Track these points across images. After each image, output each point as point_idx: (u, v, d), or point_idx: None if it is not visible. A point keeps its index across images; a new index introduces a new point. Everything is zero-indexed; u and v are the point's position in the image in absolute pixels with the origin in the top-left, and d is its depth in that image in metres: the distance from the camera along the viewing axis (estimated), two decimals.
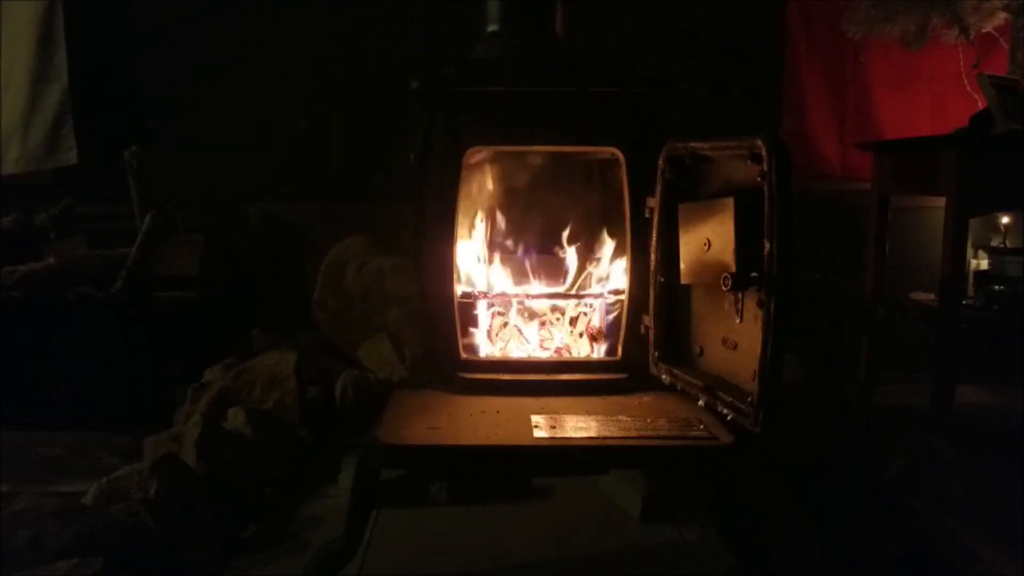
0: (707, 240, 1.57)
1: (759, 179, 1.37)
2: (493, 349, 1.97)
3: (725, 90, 3.17)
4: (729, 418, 1.49)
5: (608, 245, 1.99)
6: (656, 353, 1.77)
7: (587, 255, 2.05)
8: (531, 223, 2.04)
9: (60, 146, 3.03)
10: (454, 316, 1.82)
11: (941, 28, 2.72)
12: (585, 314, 2.00)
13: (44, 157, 3.04)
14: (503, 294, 1.98)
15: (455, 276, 1.83)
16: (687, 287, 1.73)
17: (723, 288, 1.47)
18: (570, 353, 1.98)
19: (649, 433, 1.54)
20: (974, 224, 2.74)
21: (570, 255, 2.05)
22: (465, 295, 1.90)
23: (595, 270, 2.02)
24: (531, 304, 1.99)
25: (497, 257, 2.02)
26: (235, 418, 2.09)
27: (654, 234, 1.75)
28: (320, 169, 3.14)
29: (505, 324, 2.00)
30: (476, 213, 2.00)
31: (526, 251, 2.05)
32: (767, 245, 1.34)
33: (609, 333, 1.95)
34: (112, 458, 2.24)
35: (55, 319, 2.60)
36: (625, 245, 1.85)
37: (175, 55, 3.10)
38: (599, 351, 1.97)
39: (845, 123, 3.22)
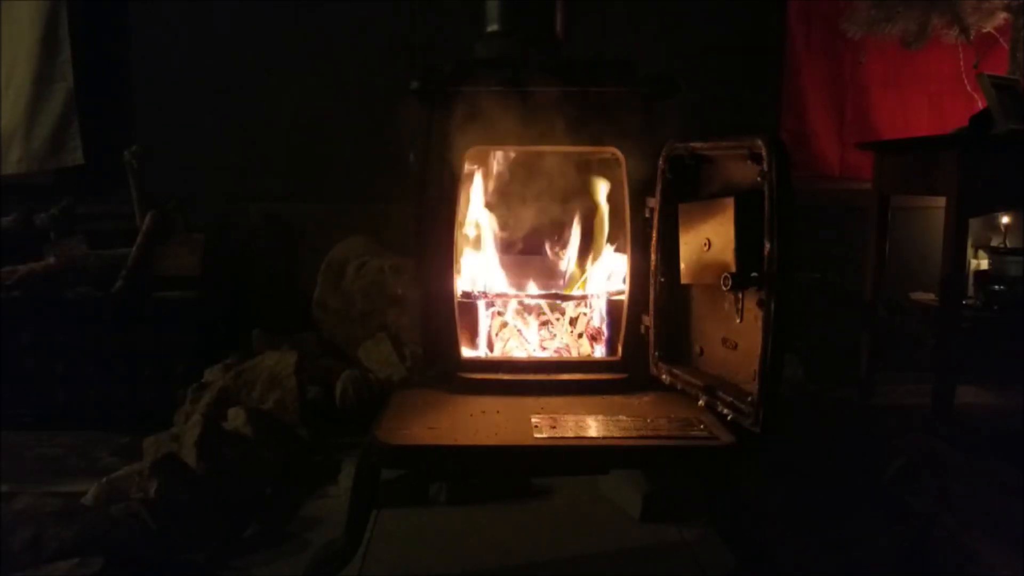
0: (707, 240, 1.57)
1: (759, 179, 1.37)
2: (493, 349, 1.97)
3: (725, 90, 3.17)
4: (729, 418, 1.49)
5: (608, 245, 1.99)
6: (656, 353, 1.77)
7: (587, 255, 2.05)
8: (531, 223, 2.04)
9: (65, 146, 3.04)
10: (454, 316, 1.82)
11: (941, 28, 2.73)
12: (585, 314, 2.00)
13: (48, 157, 3.05)
14: (503, 294, 1.98)
15: (455, 276, 1.83)
16: (687, 287, 1.73)
17: (723, 288, 1.47)
18: (570, 353, 1.98)
19: (649, 433, 1.54)
20: (974, 224, 2.74)
21: (570, 255, 2.04)
22: (465, 295, 1.90)
23: (595, 270, 2.02)
24: (531, 304, 1.99)
25: (497, 257, 2.02)
26: (235, 418, 2.09)
27: (654, 234, 1.75)
28: (320, 169, 3.14)
29: (505, 324, 1.99)
30: (476, 213, 2.00)
31: (526, 251, 2.05)
32: (767, 245, 1.34)
33: (609, 333, 1.95)
34: (112, 458, 2.24)
35: (55, 319, 2.60)
36: (625, 245, 1.85)
37: (174, 55, 3.10)
38: (599, 351, 1.97)
39: (845, 123, 3.23)
